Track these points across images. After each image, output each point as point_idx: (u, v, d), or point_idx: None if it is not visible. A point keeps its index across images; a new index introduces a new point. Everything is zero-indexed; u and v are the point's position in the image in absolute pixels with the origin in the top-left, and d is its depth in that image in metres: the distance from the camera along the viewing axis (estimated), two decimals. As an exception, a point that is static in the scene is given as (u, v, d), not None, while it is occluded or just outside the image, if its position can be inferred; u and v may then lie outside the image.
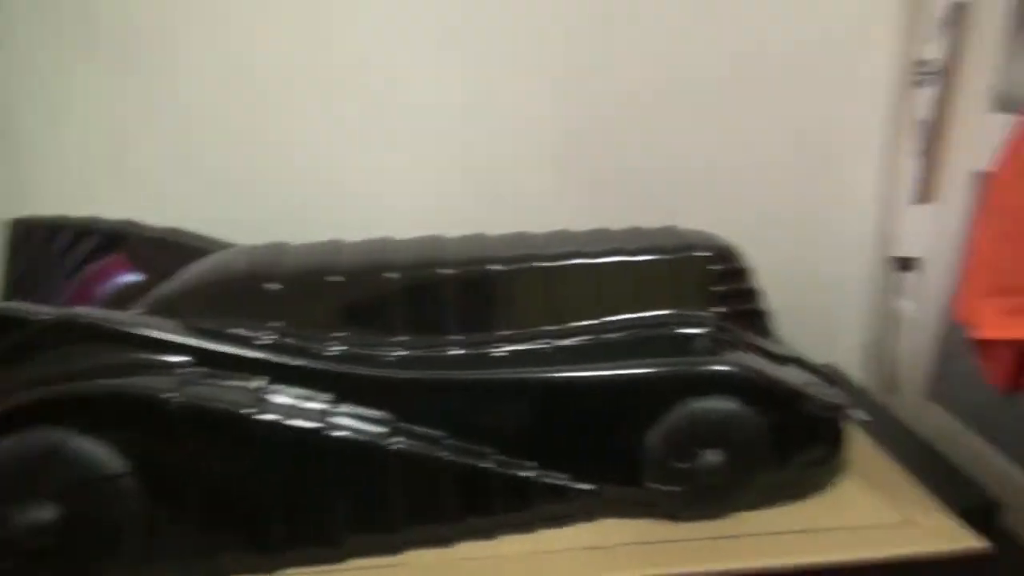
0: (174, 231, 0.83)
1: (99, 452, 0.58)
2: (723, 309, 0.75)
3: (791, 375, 0.70)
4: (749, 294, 0.77)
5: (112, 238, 0.81)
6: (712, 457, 0.65)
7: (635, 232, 0.80)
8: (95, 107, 0.87)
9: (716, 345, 0.72)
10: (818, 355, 0.79)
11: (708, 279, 0.75)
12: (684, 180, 0.94)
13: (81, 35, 0.85)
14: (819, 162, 0.95)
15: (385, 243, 0.77)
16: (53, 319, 0.62)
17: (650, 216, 0.82)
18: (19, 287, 0.81)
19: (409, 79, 0.89)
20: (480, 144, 0.91)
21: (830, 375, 0.75)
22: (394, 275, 0.70)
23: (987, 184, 0.68)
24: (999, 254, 0.63)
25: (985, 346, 0.64)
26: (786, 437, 0.67)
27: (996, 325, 0.61)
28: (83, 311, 0.64)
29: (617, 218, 0.81)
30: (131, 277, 0.80)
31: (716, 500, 0.67)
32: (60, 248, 0.81)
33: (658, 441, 0.65)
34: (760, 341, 0.74)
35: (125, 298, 0.76)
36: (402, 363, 0.68)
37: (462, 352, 0.70)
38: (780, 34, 0.90)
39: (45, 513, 0.57)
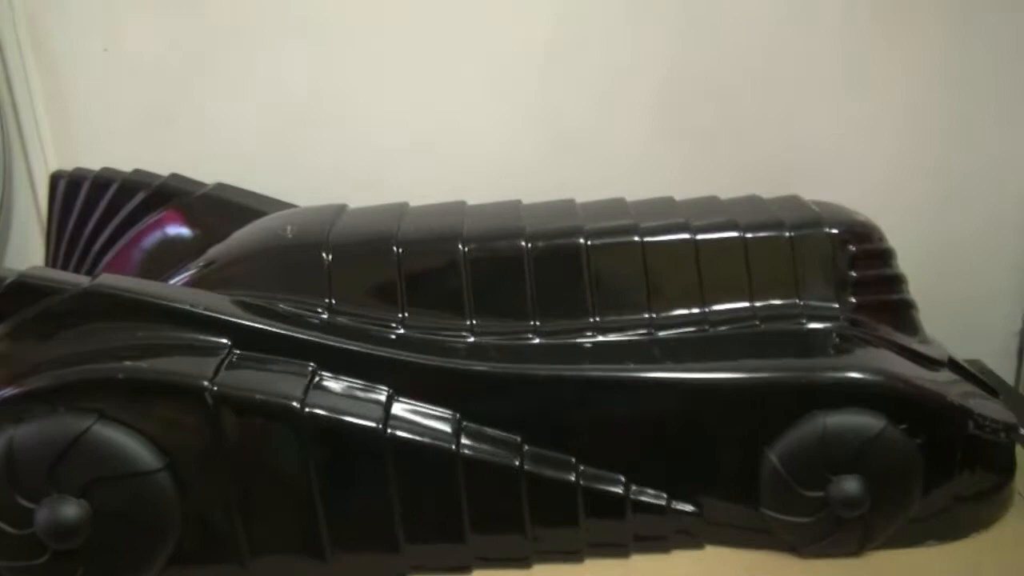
0: (221, 186, 0.75)
1: (129, 444, 0.51)
2: (858, 299, 0.63)
3: (945, 384, 0.58)
4: (890, 281, 0.65)
5: (160, 193, 0.74)
6: (848, 486, 0.53)
7: (752, 202, 0.68)
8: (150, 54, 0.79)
9: (849, 343, 0.60)
10: (960, 350, 0.66)
11: (839, 262, 0.63)
12: (804, 143, 0.80)
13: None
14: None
15: (458, 208, 0.67)
16: (80, 289, 0.54)
17: (767, 184, 0.70)
18: (64, 243, 0.75)
19: (489, 21, 0.77)
20: (567, 93, 0.79)
21: (988, 383, 0.62)
22: (467, 247, 0.60)
23: None
24: None
25: None
26: (942, 463, 0.55)
27: None
28: (114, 280, 0.56)
29: (729, 186, 0.69)
30: (180, 230, 0.73)
31: (852, 536, 0.55)
32: (107, 203, 0.74)
33: (779, 462, 0.54)
34: (903, 339, 0.62)
35: (172, 253, 0.70)
36: (473, 352, 0.58)
37: (545, 341, 0.60)
38: None
39: (70, 510, 0.50)
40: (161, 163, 0.76)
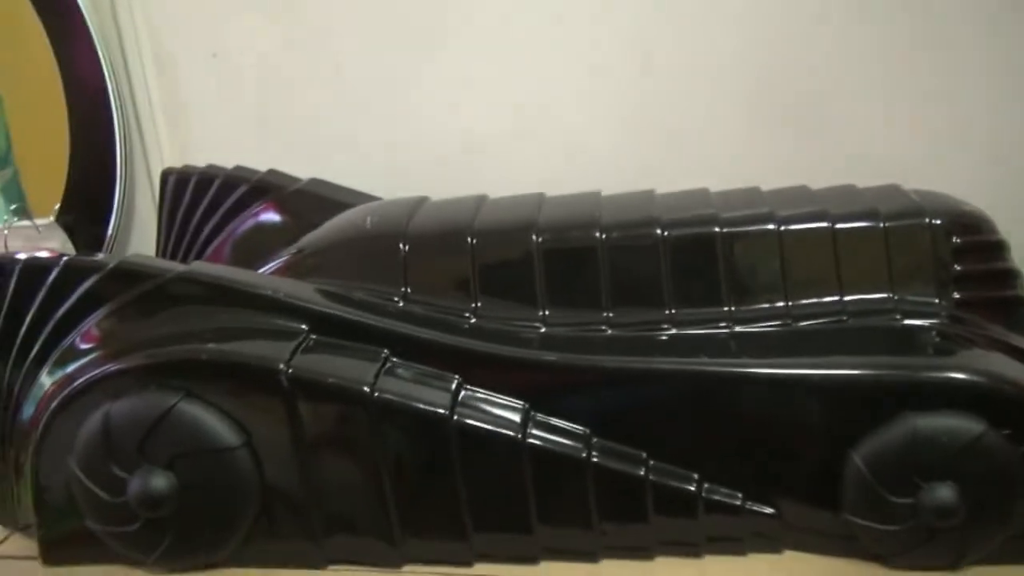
0: (315, 181, 0.78)
1: (211, 421, 0.54)
2: (962, 295, 0.58)
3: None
4: (1000, 276, 0.59)
5: (259, 188, 0.78)
6: (940, 493, 0.49)
7: (845, 192, 0.64)
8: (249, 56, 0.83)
9: (949, 342, 0.55)
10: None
11: (941, 254, 0.59)
12: (904, 137, 0.75)
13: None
14: None
15: (535, 200, 0.67)
16: (174, 275, 0.57)
17: (865, 180, 0.65)
18: (173, 234, 0.80)
19: (582, 17, 0.77)
20: (655, 86, 0.77)
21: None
22: (540, 237, 0.60)
23: None
24: None
25: None
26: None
27: None
28: (204, 267, 0.60)
29: (827, 182, 0.66)
30: (276, 222, 0.76)
31: (946, 548, 0.51)
32: (211, 197, 0.79)
33: (864, 465, 0.51)
34: (1016, 339, 0.56)
35: (269, 243, 0.72)
36: (545, 342, 0.58)
37: (619, 333, 0.58)
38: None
39: (159, 481, 0.53)
40: (260, 160, 0.80)
